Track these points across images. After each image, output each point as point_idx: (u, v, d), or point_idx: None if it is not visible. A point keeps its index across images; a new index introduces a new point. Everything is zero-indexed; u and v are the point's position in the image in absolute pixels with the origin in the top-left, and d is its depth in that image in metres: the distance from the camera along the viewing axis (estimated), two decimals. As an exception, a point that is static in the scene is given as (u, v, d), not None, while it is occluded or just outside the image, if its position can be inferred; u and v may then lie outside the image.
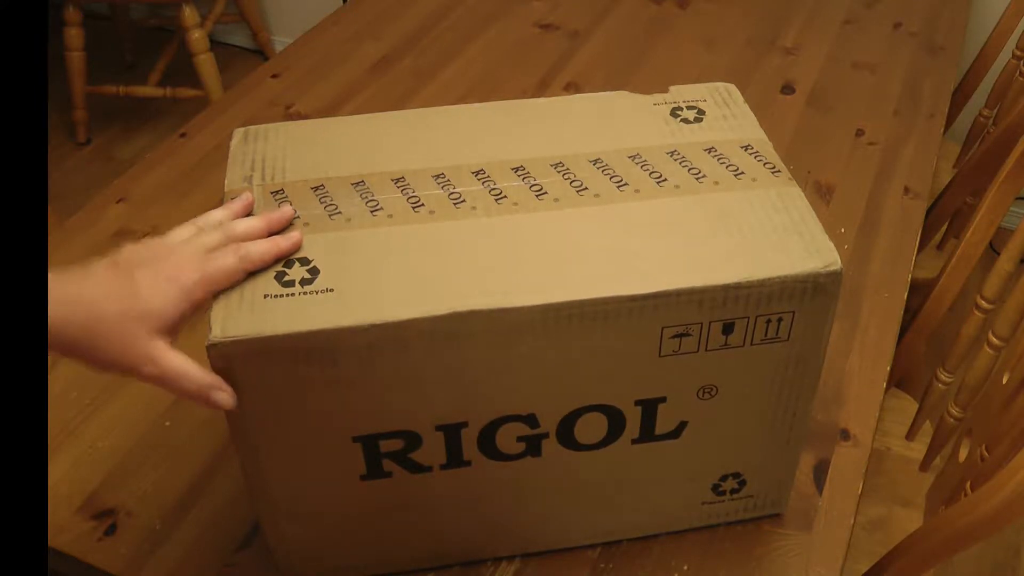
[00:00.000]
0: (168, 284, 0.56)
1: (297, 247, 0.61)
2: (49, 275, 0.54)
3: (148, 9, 2.52)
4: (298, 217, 0.64)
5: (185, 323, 0.58)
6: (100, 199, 1.07)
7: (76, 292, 0.55)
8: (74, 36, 2.13)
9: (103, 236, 1.02)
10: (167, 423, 0.82)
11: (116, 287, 0.56)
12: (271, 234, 0.62)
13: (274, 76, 1.28)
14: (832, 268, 0.60)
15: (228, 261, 0.59)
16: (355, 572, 0.71)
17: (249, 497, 0.66)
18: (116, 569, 0.72)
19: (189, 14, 2.07)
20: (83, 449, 0.80)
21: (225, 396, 0.57)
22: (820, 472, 0.79)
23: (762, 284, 0.60)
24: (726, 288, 0.60)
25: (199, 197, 1.07)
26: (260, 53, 2.59)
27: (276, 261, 0.60)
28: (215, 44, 2.39)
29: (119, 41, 2.56)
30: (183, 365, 0.57)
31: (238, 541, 0.74)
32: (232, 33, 2.69)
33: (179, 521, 0.75)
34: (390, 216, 0.64)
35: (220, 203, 0.65)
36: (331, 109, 1.22)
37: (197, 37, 2.10)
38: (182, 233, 0.62)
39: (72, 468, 0.79)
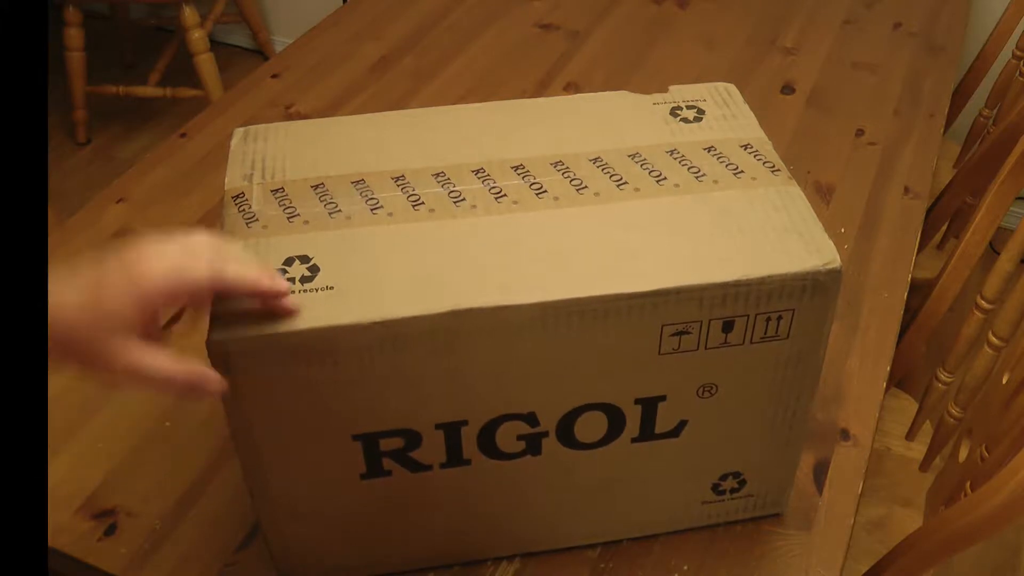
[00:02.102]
0: (129, 286, 0.54)
1: (285, 311, 0.57)
2: (58, 278, 0.54)
3: (148, 9, 2.52)
4: (298, 215, 0.64)
5: (155, 326, 0.56)
6: (100, 199, 1.07)
7: (72, 296, 0.55)
8: (74, 36, 2.14)
9: (103, 236, 1.02)
10: (167, 423, 0.82)
11: (88, 290, 0.55)
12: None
13: (274, 76, 1.28)
14: (831, 266, 0.60)
15: (198, 273, 0.56)
16: (355, 572, 0.71)
17: (249, 497, 0.66)
18: (116, 569, 0.72)
19: (189, 14, 2.07)
20: (83, 449, 0.80)
21: (212, 382, 0.56)
22: (820, 472, 0.79)
23: (762, 282, 0.60)
24: (726, 286, 0.60)
25: (199, 197, 1.07)
26: (260, 53, 2.60)
27: (252, 294, 0.57)
28: (215, 44, 2.39)
29: (119, 41, 2.57)
30: (155, 361, 0.55)
31: (238, 541, 0.74)
32: (232, 33, 2.69)
33: (179, 521, 0.75)
34: (390, 214, 0.64)
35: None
36: (331, 109, 1.22)
37: (197, 37, 2.10)
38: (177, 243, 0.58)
39: (72, 468, 0.79)
